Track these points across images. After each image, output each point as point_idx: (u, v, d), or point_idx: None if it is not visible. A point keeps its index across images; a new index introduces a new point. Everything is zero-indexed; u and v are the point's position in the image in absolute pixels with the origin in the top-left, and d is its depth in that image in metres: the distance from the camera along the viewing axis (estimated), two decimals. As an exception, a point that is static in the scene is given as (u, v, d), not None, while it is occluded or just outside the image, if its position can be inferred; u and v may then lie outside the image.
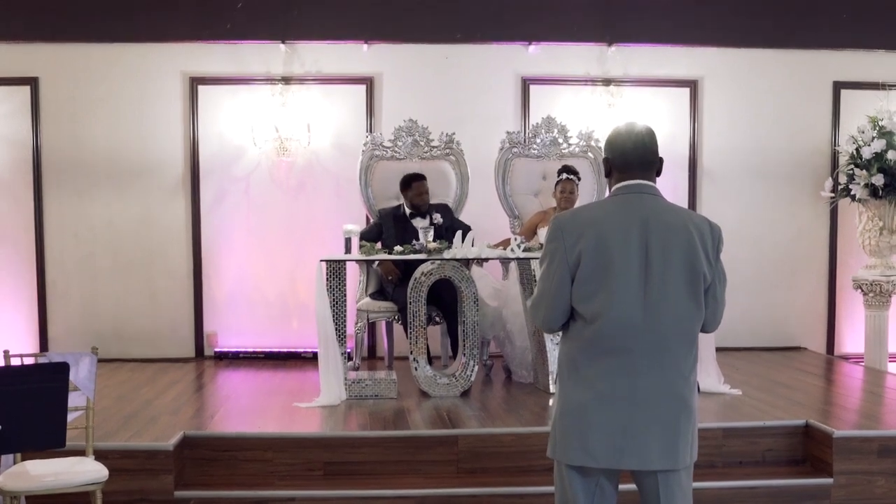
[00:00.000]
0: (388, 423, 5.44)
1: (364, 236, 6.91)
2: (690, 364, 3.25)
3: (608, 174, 3.37)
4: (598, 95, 8.15)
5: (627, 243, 3.15)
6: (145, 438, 4.97)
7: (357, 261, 6.51)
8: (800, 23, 8.18)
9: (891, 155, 7.54)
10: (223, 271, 7.99)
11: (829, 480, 5.01)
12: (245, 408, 5.99)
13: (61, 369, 3.71)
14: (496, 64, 8.10)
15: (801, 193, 8.29)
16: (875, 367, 7.60)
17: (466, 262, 6.36)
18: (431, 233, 6.35)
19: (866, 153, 7.62)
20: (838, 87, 8.29)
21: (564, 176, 7.12)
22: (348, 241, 6.11)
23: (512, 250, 6.05)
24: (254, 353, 7.89)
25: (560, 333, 3.36)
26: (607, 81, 8.14)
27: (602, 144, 7.75)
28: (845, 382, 6.93)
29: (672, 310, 3.16)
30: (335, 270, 6.05)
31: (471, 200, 7.63)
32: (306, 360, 7.77)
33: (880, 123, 7.72)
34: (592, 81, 8.15)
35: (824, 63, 8.27)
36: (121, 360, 7.60)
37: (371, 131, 7.86)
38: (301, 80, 7.95)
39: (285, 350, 7.91)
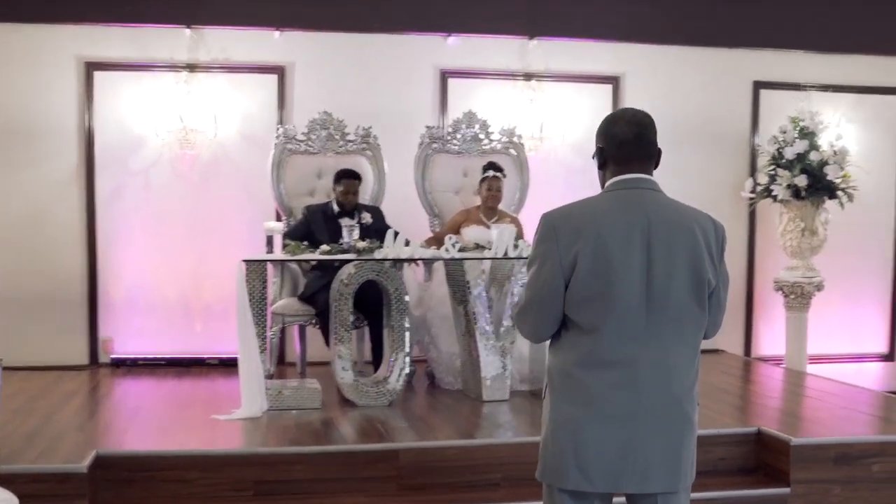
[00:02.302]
0: (321, 437, 5.04)
1: (289, 234, 6.47)
2: (693, 376, 2.98)
3: (602, 166, 3.06)
4: (518, 90, 7.86)
5: (629, 244, 2.83)
6: (54, 459, 4.43)
7: (282, 261, 6.04)
8: (720, 21, 8.06)
9: (813, 156, 7.49)
10: (120, 271, 7.39)
11: (787, 490, 4.83)
12: (158, 422, 5.48)
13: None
14: (414, 56, 7.73)
15: (720, 194, 8.16)
16: (795, 368, 7.53)
17: (397, 265, 5.98)
18: (357, 231, 5.98)
19: (788, 154, 7.55)
20: (758, 86, 8.22)
21: (491, 173, 6.81)
22: (270, 240, 5.65)
23: (447, 250, 5.70)
24: (154, 359, 7.31)
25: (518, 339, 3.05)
26: (528, 76, 7.86)
27: (524, 141, 7.53)
28: (776, 386, 6.80)
29: (676, 317, 2.88)
30: (257, 271, 5.60)
31: (388, 198, 7.24)
32: (212, 367, 7.27)
33: (802, 124, 7.66)
34: (513, 76, 7.86)
35: (744, 62, 8.18)
36: (9, 369, 6.91)
37: (283, 123, 7.41)
38: (207, 68, 7.42)
39: (188, 356, 7.35)
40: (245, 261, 5.55)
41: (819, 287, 7.68)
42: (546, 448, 2.97)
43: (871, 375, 8.18)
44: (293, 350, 7.01)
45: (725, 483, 4.91)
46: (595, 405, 2.86)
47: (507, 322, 5.96)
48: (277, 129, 7.23)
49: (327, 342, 6.34)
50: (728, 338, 8.15)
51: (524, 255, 5.77)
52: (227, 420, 5.35)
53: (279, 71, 7.55)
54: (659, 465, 2.89)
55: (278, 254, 5.67)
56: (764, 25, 8.08)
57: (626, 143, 2.99)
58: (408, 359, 5.88)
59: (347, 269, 5.77)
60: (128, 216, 7.38)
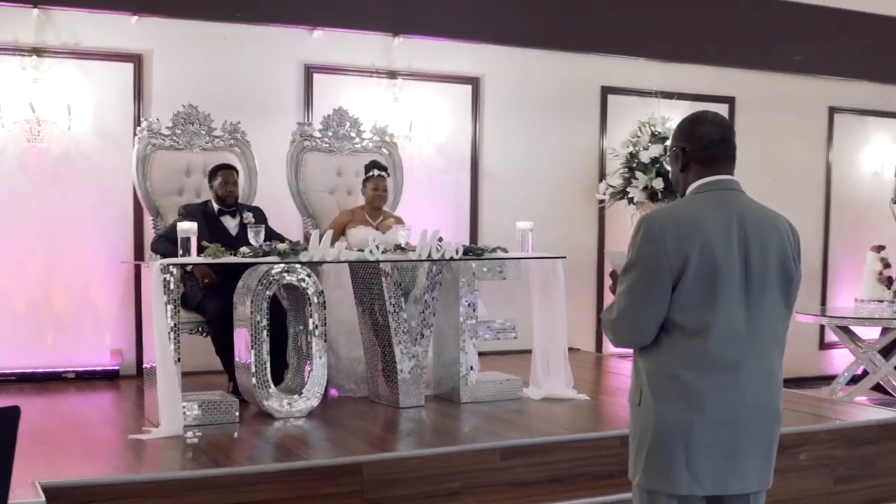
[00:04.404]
0: (268, 454, 4.72)
1: (167, 235, 6.00)
2: (782, 373, 3.04)
3: (684, 168, 3.04)
4: (383, 89, 7.69)
5: (729, 246, 2.86)
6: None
7: (205, 265, 5.59)
8: (573, 27, 8.24)
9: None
10: (-41, 278, 6.60)
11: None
12: (68, 446, 4.87)
13: (11, 415, 2.73)
14: (278, 49, 7.39)
15: (572, 196, 8.36)
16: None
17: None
18: (262, 233, 5.63)
19: (644, 157, 7.81)
20: (606, 91, 8.47)
21: (375, 172, 6.63)
22: (186, 242, 5.17)
23: (370, 251, 5.46)
24: (3, 375, 6.55)
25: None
26: (393, 74, 7.71)
27: (396, 140, 7.39)
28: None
29: (771, 318, 2.94)
30: (173, 277, 5.13)
31: (258, 197, 6.88)
32: (69, 381, 6.64)
33: (654, 129, 7.94)
34: (378, 73, 7.69)
35: (594, 67, 8.41)
36: None
37: (142, 116, 6.87)
38: (56, 53, 6.76)
39: (41, 371, 6.66)
40: (166, 265, 5.06)
41: (673, 285, 8.00)
42: (652, 454, 2.91)
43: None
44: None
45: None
46: (703, 408, 2.85)
47: (415, 325, 5.82)
48: (141, 122, 6.71)
49: (219, 351, 5.99)
50: (581, 336, 8.35)
51: (447, 257, 5.64)
52: (149, 439, 4.88)
53: (136, 59, 7.00)
54: (755, 465, 2.94)
55: (199, 258, 5.20)
56: (611, 32, 8.33)
57: (713, 144, 3.00)
58: (325, 365, 5.60)
59: (260, 272, 5.39)
60: (-33, 216, 6.60)
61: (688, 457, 2.85)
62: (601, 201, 8.21)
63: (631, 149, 7.96)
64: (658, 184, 7.73)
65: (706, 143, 2.99)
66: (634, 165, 7.89)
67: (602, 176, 8.36)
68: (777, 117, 9.07)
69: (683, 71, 8.66)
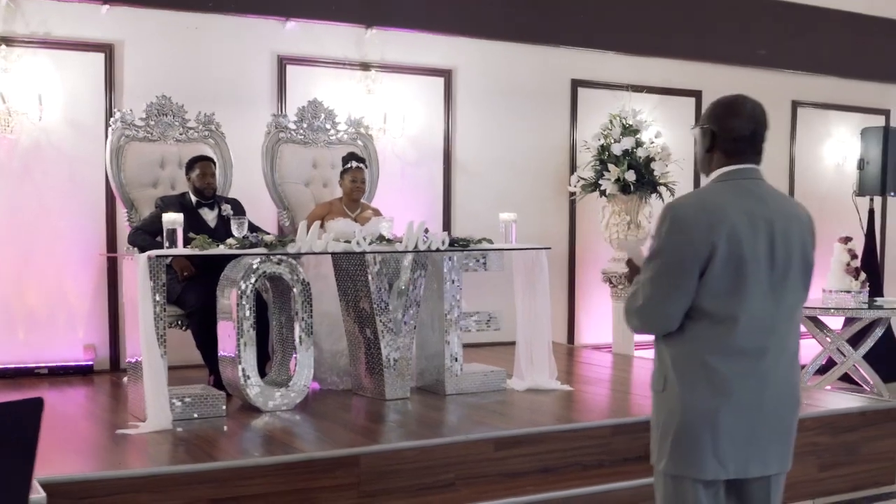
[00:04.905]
0: (259, 447, 4.68)
1: (145, 228, 5.93)
2: (799, 359, 3.08)
3: (710, 149, 3.04)
4: (356, 81, 7.64)
5: (755, 234, 2.89)
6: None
7: (190, 256, 5.50)
8: (541, 19, 8.24)
9: (640, 152, 7.85)
10: (-73, 273, 6.44)
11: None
12: (55, 442, 4.74)
13: (35, 407, 2.66)
14: (251, 39, 7.31)
15: (544, 188, 8.38)
16: (624, 353, 7.86)
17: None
18: (246, 225, 5.56)
19: (616, 150, 7.85)
20: (576, 84, 8.50)
21: (354, 164, 6.59)
22: (172, 234, 5.09)
23: (357, 243, 5.42)
24: (-27, 371, 6.43)
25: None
26: (366, 66, 7.66)
27: (372, 132, 7.36)
28: (637, 373, 7.03)
29: (792, 304, 2.99)
30: (160, 269, 5.05)
31: (232, 190, 6.80)
32: (42, 377, 6.53)
33: (626, 122, 7.99)
34: (350, 65, 7.63)
35: (564, 60, 8.43)
36: None
37: (114, 107, 6.75)
38: (26, 43, 6.61)
39: (13, 366, 6.52)
40: (153, 255, 4.97)
41: (644, 276, 8.06)
42: (678, 440, 2.94)
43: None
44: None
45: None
46: (730, 394, 2.88)
47: (400, 317, 5.79)
48: (113, 113, 6.59)
49: (200, 344, 5.92)
50: (553, 327, 8.32)
51: (433, 248, 5.62)
52: (138, 434, 4.80)
53: (107, 50, 6.86)
54: (776, 448, 2.98)
55: (186, 249, 5.12)
56: (580, 26, 8.37)
57: (742, 139, 3.01)
58: (311, 357, 5.55)
59: (245, 264, 5.31)
60: (-65, 209, 6.44)
61: (714, 442, 2.88)
62: (572, 194, 8.24)
63: (602, 141, 8.00)
64: (630, 176, 7.77)
65: (735, 137, 2.99)
66: (606, 158, 7.92)
67: (573, 168, 8.39)
68: (742, 111, 9.14)
69: (651, 65, 8.72)
